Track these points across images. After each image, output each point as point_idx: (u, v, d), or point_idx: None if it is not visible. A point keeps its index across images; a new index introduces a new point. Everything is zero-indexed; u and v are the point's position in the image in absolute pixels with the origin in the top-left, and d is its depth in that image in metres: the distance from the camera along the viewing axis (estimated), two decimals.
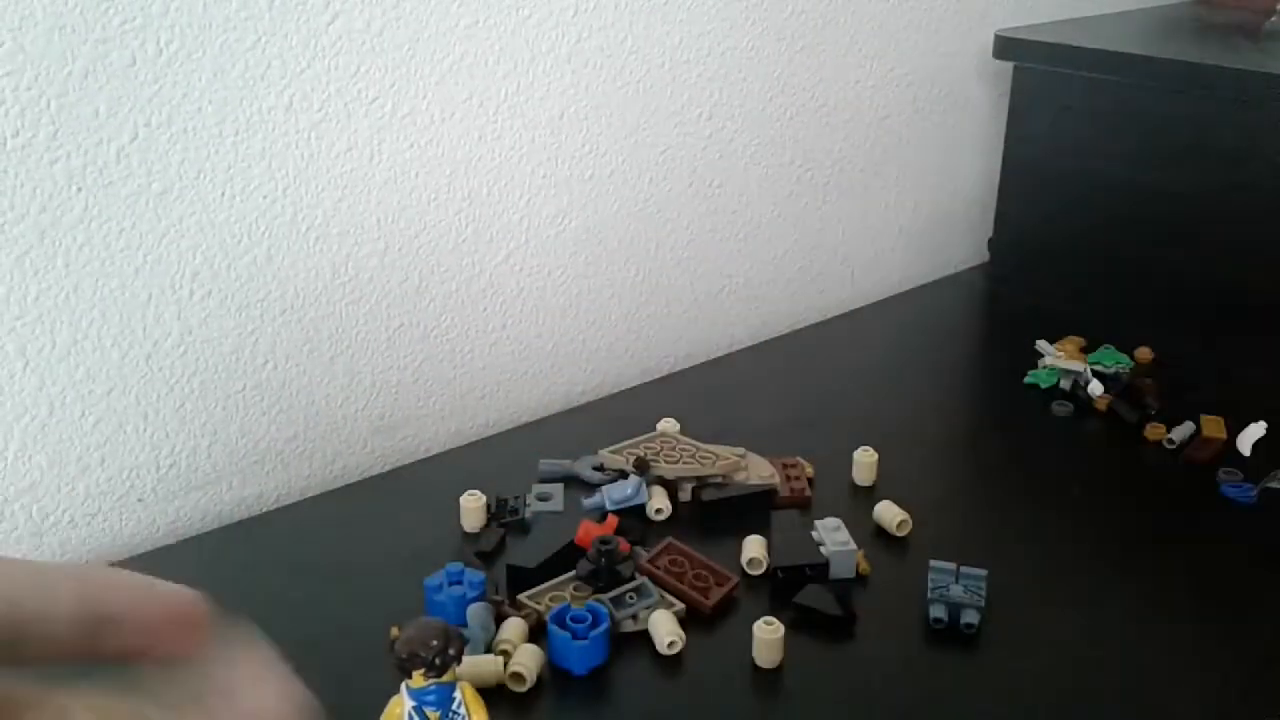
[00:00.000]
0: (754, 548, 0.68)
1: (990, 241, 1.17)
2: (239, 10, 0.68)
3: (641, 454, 0.75)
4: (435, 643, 0.49)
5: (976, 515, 0.76)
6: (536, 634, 0.61)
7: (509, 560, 0.66)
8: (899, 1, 1.05)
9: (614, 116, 0.89)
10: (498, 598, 0.63)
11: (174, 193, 0.69)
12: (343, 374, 0.81)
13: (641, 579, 0.64)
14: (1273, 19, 1.21)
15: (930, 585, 0.64)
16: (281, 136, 0.72)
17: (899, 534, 0.71)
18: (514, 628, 0.61)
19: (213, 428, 0.75)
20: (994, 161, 1.16)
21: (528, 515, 0.72)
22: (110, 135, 0.66)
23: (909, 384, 0.94)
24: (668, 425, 0.81)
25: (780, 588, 0.65)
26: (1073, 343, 0.96)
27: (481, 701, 0.51)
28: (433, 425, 0.86)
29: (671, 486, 0.75)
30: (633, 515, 0.72)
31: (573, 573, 0.65)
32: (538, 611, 0.62)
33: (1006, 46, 1.08)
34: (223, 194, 0.71)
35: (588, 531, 0.67)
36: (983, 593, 0.63)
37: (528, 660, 0.58)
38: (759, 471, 0.75)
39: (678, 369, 0.98)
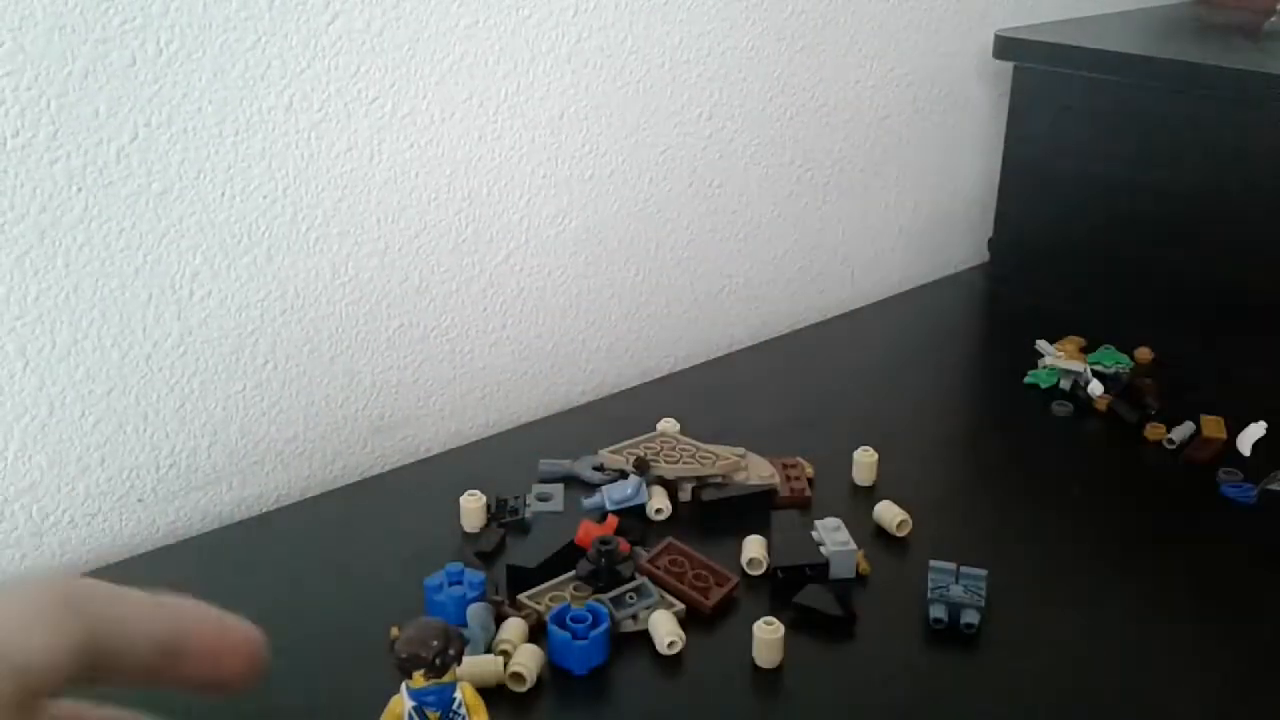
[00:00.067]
0: (754, 548, 0.68)
1: (990, 241, 1.17)
2: (239, 10, 0.68)
3: (641, 454, 0.75)
4: (435, 643, 0.49)
5: (976, 515, 0.76)
6: (536, 634, 0.61)
7: (509, 560, 0.66)
8: (899, 1, 1.05)
9: (614, 116, 0.89)
10: (498, 598, 0.63)
11: (174, 193, 0.69)
12: (343, 374, 0.81)
13: (641, 579, 0.64)
14: (1273, 19, 1.21)
15: (930, 585, 0.64)
16: (281, 136, 0.72)
17: (899, 534, 0.71)
18: (514, 628, 0.61)
19: (213, 428, 0.75)
20: (994, 161, 1.16)
21: (528, 515, 0.72)
22: (110, 135, 0.66)
23: (909, 384, 0.94)
24: (668, 425, 0.81)
25: (780, 588, 0.65)
26: (1073, 343, 0.96)
27: (481, 701, 0.51)
28: (433, 425, 0.86)
29: (671, 486, 0.75)
30: (633, 515, 0.72)
31: (573, 573, 0.65)
32: (538, 611, 0.62)
33: (1006, 46, 1.08)
34: (223, 194, 0.71)
35: (588, 531, 0.67)
36: (983, 593, 0.63)
37: (528, 660, 0.58)
38: (759, 471, 0.75)
39: (678, 369, 0.98)
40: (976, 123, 1.19)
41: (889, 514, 0.72)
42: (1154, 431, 0.83)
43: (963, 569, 0.65)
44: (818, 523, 0.70)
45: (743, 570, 0.67)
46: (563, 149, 0.87)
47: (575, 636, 0.59)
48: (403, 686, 0.50)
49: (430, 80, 0.78)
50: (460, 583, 0.63)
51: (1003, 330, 1.08)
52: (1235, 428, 0.83)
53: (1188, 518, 0.75)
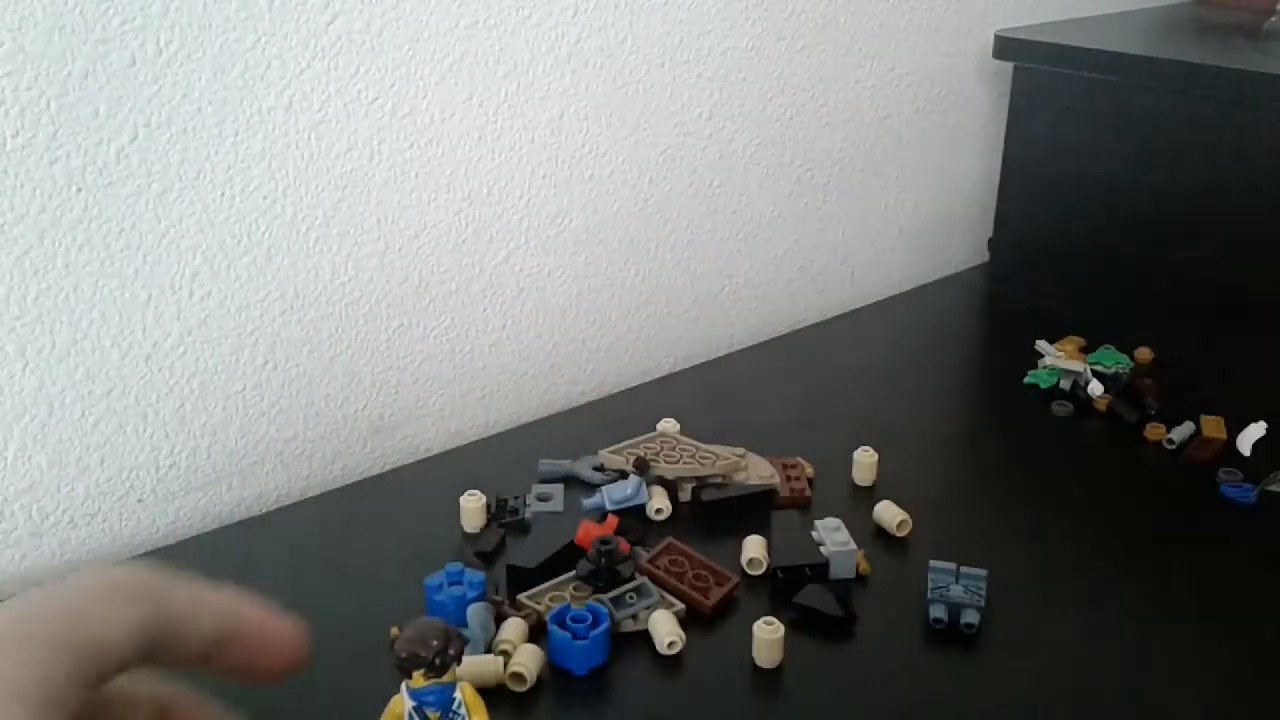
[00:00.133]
0: (754, 548, 0.68)
1: (990, 241, 1.17)
2: (239, 10, 0.68)
3: (641, 454, 0.75)
4: (435, 643, 0.49)
5: (976, 515, 0.76)
6: (536, 634, 0.61)
7: (509, 560, 0.66)
8: (899, 1, 1.05)
9: (614, 116, 0.89)
10: (498, 598, 0.63)
11: (174, 193, 0.69)
12: (342, 374, 0.81)
13: (641, 579, 0.64)
14: (1273, 19, 1.21)
15: (930, 585, 0.64)
16: (281, 137, 0.72)
17: (899, 534, 0.71)
18: (514, 628, 0.61)
19: (212, 428, 0.75)
20: (994, 161, 1.16)
21: (528, 515, 0.72)
22: (110, 135, 0.66)
23: (909, 384, 0.94)
24: (668, 425, 0.81)
25: (780, 588, 0.65)
26: (1073, 343, 0.96)
27: (481, 701, 0.51)
28: (433, 425, 0.86)
29: (671, 486, 0.75)
30: (633, 515, 0.72)
31: (573, 573, 0.65)
32: (538, 611, 0.62)
33: (1006, 46, 1.08)
34: (223, 194, 0.71)
35: (588, 531, 0.67)
36: (983, 593, 0.63)
37: (528, 660, 0.58)
38: (759, 471, 0.75)
39: (678, 369, 0.98)
40: (976, 123, 1.19)
41: (889, 514, 0.72)
42: (1154, 431, 0.83)
43: (963, 569, 0.65)
44: (818, 523, 0.70)
45: (743, 570, 0.67)
46: (563, 149, 0.87)
47: (575, 636, 0.59)
48: (403, 686, 0.50)
49: (430, 80, 0.78)
50: (460, 583, 0.63)
51: (1003, 330, 1.08)
52: (1235, 428, 0.83)
53: (1188, 518, 0.75)
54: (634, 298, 0.96)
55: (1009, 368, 0.94)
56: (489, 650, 0.59)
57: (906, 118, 1.12)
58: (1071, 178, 1.08)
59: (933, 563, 0.65)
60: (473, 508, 0.71)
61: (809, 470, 0.77)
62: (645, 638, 0.61)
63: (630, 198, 0.92)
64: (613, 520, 0.70)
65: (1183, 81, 0.98)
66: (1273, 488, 0.76)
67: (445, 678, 0.49)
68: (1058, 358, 0.92)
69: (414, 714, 0.50)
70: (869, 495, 0.76)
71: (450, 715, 0.50)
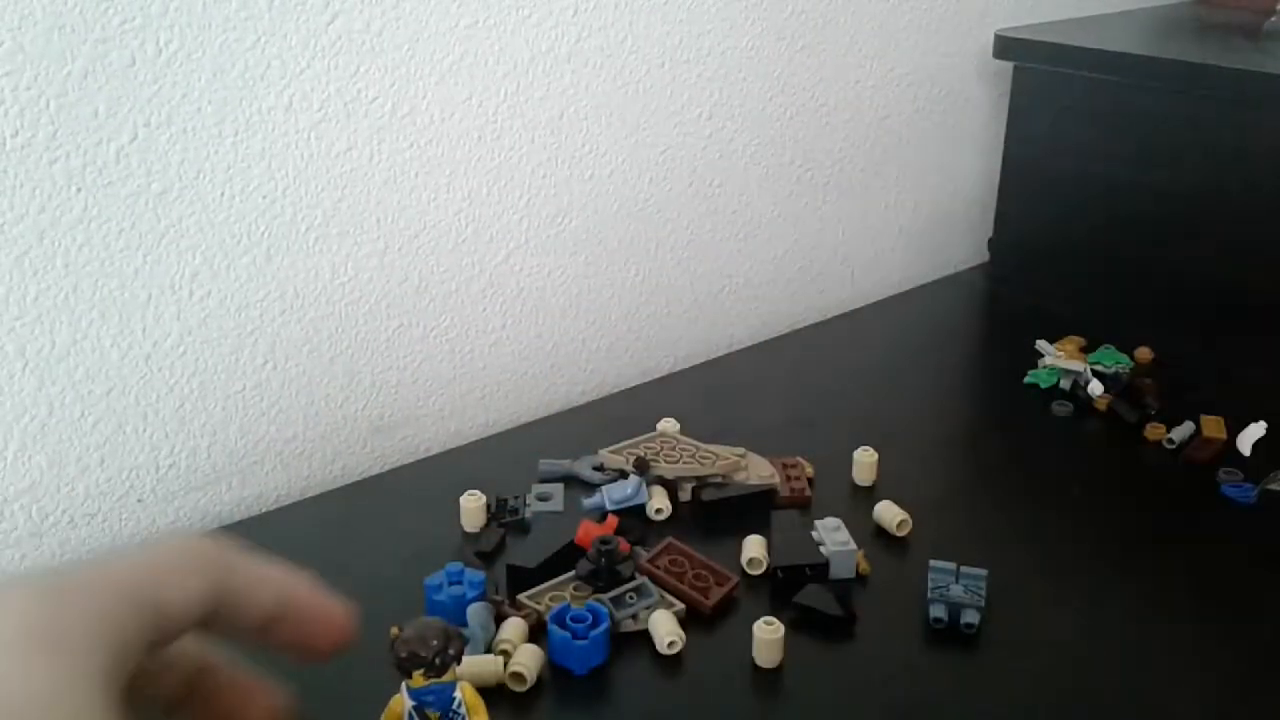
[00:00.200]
0: (754, 548, 0.68)
1: (990, 241, 1.17)
2: (239, 10, 0.68)
3: (641, 454, 0.75)
4: (435, 643, 0.49)
5: (976, 515, 0.76)
6: (536, 634, 0.61)
7: (509, 560, 0.66)
8: (899, 1, 1.05)
9: (614, 116, 0.89)
10: (498, 598, 0.63)
11: (174, 193, 0.69)
12: (342, 374, 0.81)
13: (641, 579, 0.64)
14: (1273, 19, 1.21)
15: (930, 585, 0.64)
16: (281, 136, 0.72)
17: (899, 534, 0.71)
18: (514, 628, 0.61)
19: (212, 428, 0.75)
20: (994, 161, 1.16)
21: (528, 515, 0.72)
22: (110, 135, 0.66)
23: (909, 384, 0.94)
24: (668, 425, 0.81)
25: (780, 588, 0.65)
26: (1073, 343, 0.96)
27: (481, 701, 0.51)
28: (433, 425, 0.86)
29: (671, 486, 0.75)
30: (633, 515, 0.72)
31: (573, 573, 0.65)
32: (538, 611, 0.62)
33: (1006, 46, 1.08)
34: (222, 194, 0.71)
35: (588, 531, 0.67)
36: (983, 593, 0.63)
37: (528, 660, 0.58)
38: (759, 471, 0.75)
39: (678, 369, 0.98)
40: (976, 123, 1.19)
41: (889, 514, 0.72)
42: (1154, 431, 0.83)
43: (963, 569, 0.65)
44: (818, 523, 0.70)
45: (743, 570, 0.67)
46: (563, 149, 0.87)
47: (575, 636, 0.59)
48: (403, 686, 0.50)
49: (430, 80, 0.78)
50: (460, 583, 0.63)
51: (1003, 330, 1.08)
52: (1235, 428, 0.83)
53: (1188, 518, 0.75)
54: (634, 298, 0.96)
55: (1009, 368, 0.94)
56: (489, 650, 0.59)
57: (906, 118, 1.12)
58: (1071, 178, 1.08)
59: (933, 563, 0.65)
60: (473, 508, 0.71)
61: (809, 470, 0.77)
62: (645, 638, 0.61)
63: (630, 198, 0.92)
64: (613, 520, 0.70)
65: (1183, 81, 0.98)
66: (1273, 487, 0.76)
67: (445, 677, 0.49)
68: (1058, 358, 0.92)
69: (414, 714, 0.50)
70: (869, 495, 0.76)
71: (450, 715, 0.50)
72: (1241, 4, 1.29)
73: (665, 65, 0.91)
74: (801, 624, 0.63)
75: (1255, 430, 0.82)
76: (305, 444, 0.80)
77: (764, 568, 0.67)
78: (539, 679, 0.58)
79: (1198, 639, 0.63)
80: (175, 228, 0.70)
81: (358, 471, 0.83)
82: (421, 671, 0.49)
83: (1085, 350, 0.95)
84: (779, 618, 0.61)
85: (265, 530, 0.73)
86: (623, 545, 0.65)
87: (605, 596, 0.62)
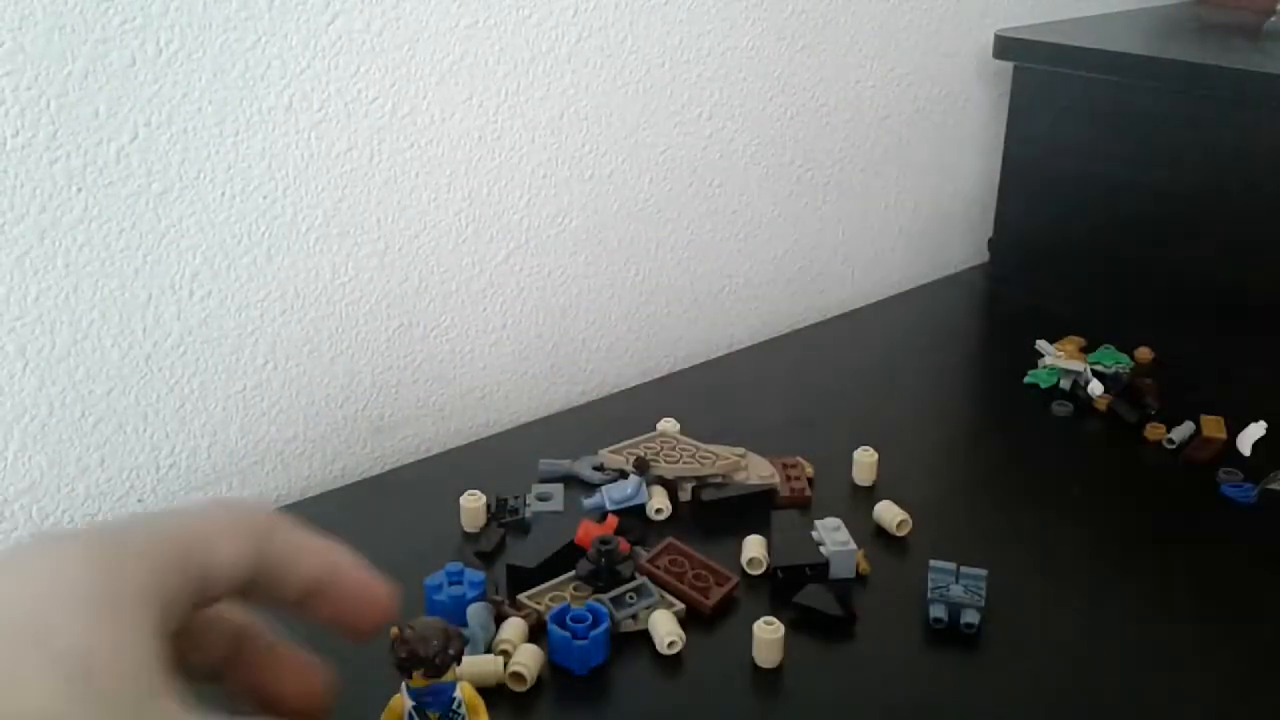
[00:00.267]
0: (754, 548, 0.68)
1: (990, 241, 1.17)
2: (239, 10, 0.68)
3: (641, 454, 0.75)
4: (435, 643, 0.48)
5: (976, 515, 0.76)
6: (536, 634, 0.61)
7: (509, 560, 0.66)
8: (899, 1, 1.06)
9: (614, 116, 0.89)
10: (498, 598, 0.63)
11: (174, 193, 0.69)
12: (343, 374, 0.81)
13: (641, 579, 0.64)
14: (1273, 19, 1.21)
15: (930, 585, 0.64)
16: (281, 136, 0.72)
17: (899, 534, 0.71)
18: (514, 628, 0.61)
19: (212, 428, 0.75)
20: (994, 161, 1.16)
21: (528, 515, 0.72)
22: (110, 135, 0.66)
23: (909, 384, 0.94)
24: (668, 425, 0.81)
25: (780, 588, 0.65)
26: (1073, 343, 0.96)
27: (481, 701, 0.51)
28: (433, 425, 0.86)
29: (671, 486, 0.75)
30: (633, 515, 0.72)
31: (573, 573, 0.65)
32: (538, 611, 0.62)
33: (1006, 46, 1.08)
34: (223, 194, 0.71)
35: (588, 531, 0.67)
36: (983, 593, 0.63)
37: (528, 660, 0.58)
38: (759, 471, 0.75)
39: (678, 369, 0.98)
40: (976, 123, 1.19)
41: (889, 514, 0.72)
42: (1154, 431, 0.83)
43: (963, 569, 0.65)
44: (818, 523, 0.70)
45: (743, 570, 0.67)
46: (563, 149, 0.87)
47: (575, 636, 0.59)
48: (403, 686, 0.50)
49: (430, 80, 0.78)
50: (460, 583, 0.63)
51: (1003, 330, 1.08)
52: (1235, 428, 0.83)
53: (1188, 518, 0.75)
54: (634, 298, 0.96)
55: (1009, 368, 0.94)
56: (489, 650, 0.59)
57: (906, 118, 1.12)
58: (1071, 178, 1.08)
59: (933, 563, 0.65)
60: (473, 508, 0.71)
61: (809, 470, 0.77)
62: (645, 638, 0.61)
63: (630, 198, 0.92)
64: (613, 520, 0.70)
65: (1183, 81, 0.98)
66: (1273, 487, 0.76)
67: (445, 677, 0.49)
68: (1058, 358, 0.92)
69: (414, 714, 0.50)
70: (869, 495, 0.76)
71: (450, 715, 0.50)
72: (1241, 4, 1.29)
73: (665, 65, 0.91)
74: (801, 624, 0.63)
75: (1255, 430, 0.82)
76: (305, 444, 0.80)
77: (764, 568, 0.67)
78: (539, 679, 0.58)
79: (1198, 639, 0.63)
80: (176, 228, 0.70)
81: (358, 471, 0.83)
82: (421, 671, 0.49)
83: (1085, 350, 0.95)
84: (779, 618, 0.61)
85: None
86: (623, 545, 0.65)
87: (605, 596, 0.62)
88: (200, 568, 0.25)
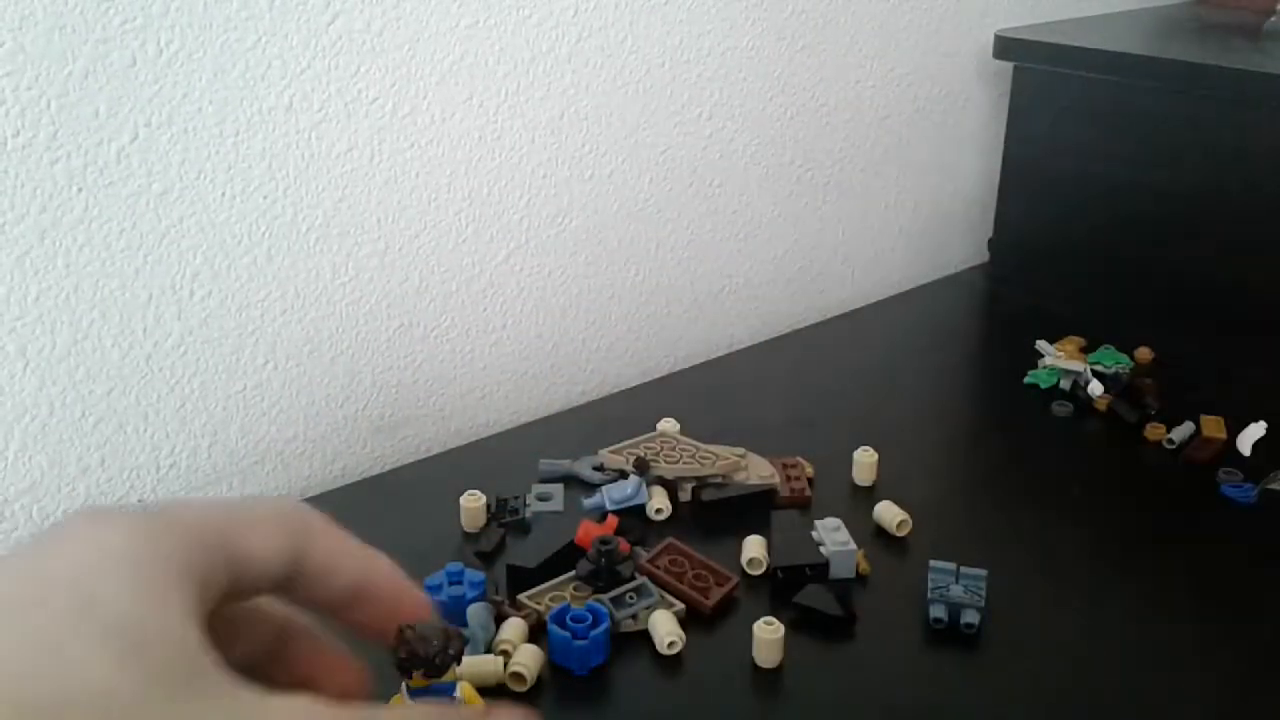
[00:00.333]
0: (754, 548, 0.68)
1: (990, 241, 1.17)
2: (239, 10, 0.68)
3: (641, 454, 0.75)
4: (435, 643, 0.48)
5: (976, 515, 0.76)
6: (536, 634, 0.61)
7: (509, 560, 0.66)
8: (899, 1, 1.06)
9: (614, 116, 0.89)
10: (498, 598, 0.63)
11: (174, 193, 0.69)
12: (343, 374, 0.81)
13: (641, 579, 0.64)
14: (1273, 19, 1.21)
15: (930, 585, 0.64)
16: (282, 137, 0.72)
17: (899, 534, 0.71)
18: (514, 628, 0.61)
19: (213, 428, 0.76)
20: (994, 161, 1.16)
21: (528, 515, 0.72)
22: (110, 135, 0.66)
23: (909, 384, 0.94)
24: (668, 425, 0.81)
25: (780, 588, 0.65)
26: (1073, 343, 0.96)
27: (482, 701, 0.51)
28: (433, 425, 0.86)
29: (671, 486, 0.75)
30: (633, 515, 0.72)
31: (573, 573, 0.65)
32: (538, 611, 0.62)
33: (1006, 46, 1.08)
34: (223, 194, 0.71)
35: (588, 531, 0.67)
36: (983, 593, 0.63)
37: (528, 660, 0.58)
38: (759, 471, 0.75)
39: (678, 369, 0.98)
40: (976, 123, 1.19)
41: (889, 514, 0.72)
42: (1154, 431, 0.83)
43: (963, 569, 0.65)
44: (818, 523, 0.70)
45: (743, 570, 0.67)
46: (563, 149, 0.87)
47: (575, 636, 0.59)
48: (403, 686, 0.50)
49: (430, 80, 0.78)
50: (460, 583, 0.63)
51: (1003, 330, 1.08)
52: (1235, 428, 0.83)
53: (1188, 518, 0.75)
54: (634, 298, 0.96)
55: (1009, 368, 0.94)
56: (489, 650, 0.59)
57: (906, 118, 1.12)
58: (1071, 178, 1.08)
59: (933, 563, 0.65)
60: (473, 507, 0.71)
61: (809, 470, 0.77)
62: (645, 638, 0.62)
63: (630, 198, 0.92)
64: (613, 520, 0.70)
65: (1183, 81, 0.98)
66: (1273, 487, 0.76)
67: (445, 677, 0.49)
68: (1058, 358, 0.92)
69: None
70: (869, 495, 0.76)
71: None
72: (1241, 4, 1.29)
73: (665, 65, 0.91)
74: (801, 624, 0.63)
75: (1255, 430, 0.82)
76: (306, 444, 0.80)
77: (764, 568, 0.67)
78: (539, 679, 0.58)
79: (1198, 639, 0.63)
80: (176, 228, 0.70)
81: (358, 471, 0.83)
82: (421, 671, 0.49)
83: (1085, 350, 0.95)
84: (779, 618, 0.61)
85: None
86: (623, 545, 0.65)
87: (605, 596, 0.62)
88: (235, 554, 0.26)
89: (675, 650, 0.60)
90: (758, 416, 0.86)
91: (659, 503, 0.73)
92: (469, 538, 0.71)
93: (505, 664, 0.58)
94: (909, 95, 1.11)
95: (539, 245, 0.88)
